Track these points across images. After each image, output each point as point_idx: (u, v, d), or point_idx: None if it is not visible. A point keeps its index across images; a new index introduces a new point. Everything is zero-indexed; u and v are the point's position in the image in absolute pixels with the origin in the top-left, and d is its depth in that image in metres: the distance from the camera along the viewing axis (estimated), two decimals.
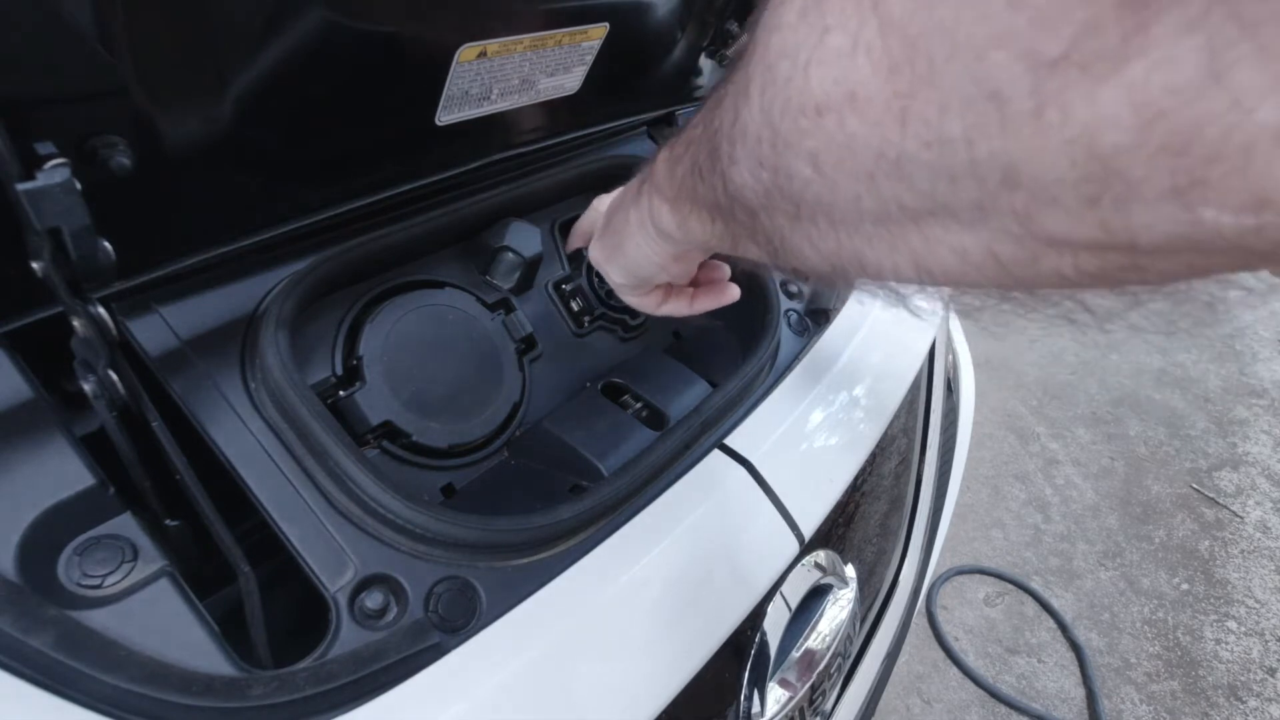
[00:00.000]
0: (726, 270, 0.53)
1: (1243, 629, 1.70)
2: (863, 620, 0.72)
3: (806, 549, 0.56)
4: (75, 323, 0.36)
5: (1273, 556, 1.87)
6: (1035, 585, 1.75)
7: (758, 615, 0.53)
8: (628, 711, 0.42)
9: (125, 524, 0.38)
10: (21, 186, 0.31)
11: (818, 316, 0.69)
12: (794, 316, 0.68)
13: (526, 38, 0.53)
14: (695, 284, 0.52)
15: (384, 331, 0.52)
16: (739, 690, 0.53)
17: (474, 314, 0.58)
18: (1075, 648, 1.61)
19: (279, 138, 0.46)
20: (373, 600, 0.39)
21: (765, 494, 0.54)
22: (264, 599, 0.40)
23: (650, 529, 0.49)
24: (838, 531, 0.63)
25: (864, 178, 0.22)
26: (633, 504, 0.49)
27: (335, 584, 0.39)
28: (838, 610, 0.61)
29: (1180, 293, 0.21)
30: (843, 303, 0.72)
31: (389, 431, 0.50)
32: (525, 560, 0.44)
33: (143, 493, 0.41)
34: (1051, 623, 1.68)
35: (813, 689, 0.58)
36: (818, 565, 0.59)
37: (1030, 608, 1.71)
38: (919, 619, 1.64)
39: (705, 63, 0.76)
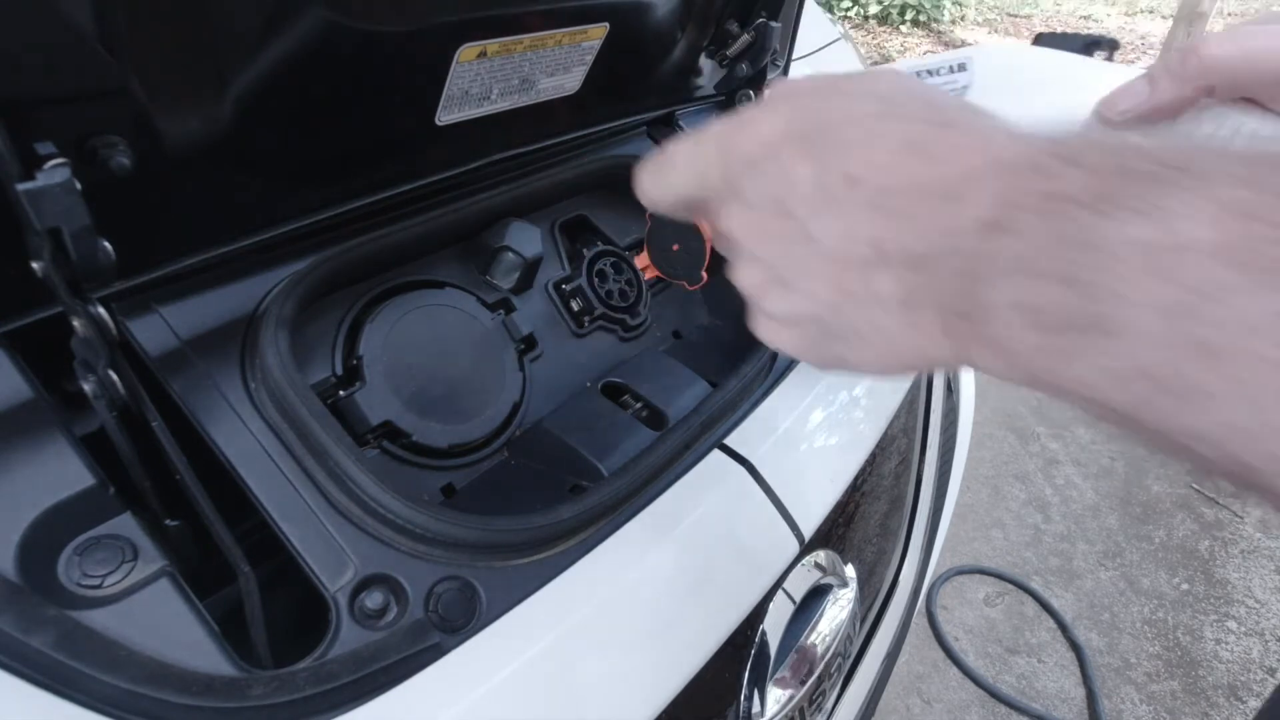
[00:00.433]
0: None
1: (1243, 629, 1.70)
2: (863, 620, 0.72)
3: (806, 549, 0.56)
4: (75, 323, 0.36)
5: (1273, 556, 1.87)
6: (1035, 585, 1.75)
7: (758, 615, 0.53)
8: (628, 711, 0.42)
9: (125, 524, 0.38)
10: (21, 186, 0.31)
11: None
12: None
13: (526, 38, 0.53)
14: None
15: (384, 331, 0.52)
16: (739, 690, 0.53)
17: (474, 314, 0.58)
18: (1075, 648, 1.61)
19: (279, 138, 0.46)
20: (373, 600, 0.39)
21: (765, 494, 0.54)
22: (264, 599, 0.40)
23: (650, 529, 0.49)
24: (838, 531, 0.63)
25: None
26: (633, 504, 0.49)
27: (335, 584, 0.39)
28: (838, 610, 0.61)
29: None
30: None
31: (389, 431, 0.50)
32: (525, 560, 0.44)
33: (143, 493, 0.41)
34: (1051, 623, 1.68)
35: (813, 689, 0.58)
36: (818, 565, 0.59)
37: (1030, 608, 1.71)
38: (919, 619, 1.64)
39: (705, 63, 0.76)
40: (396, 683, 0.37)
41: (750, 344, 0.61)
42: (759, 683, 0.54)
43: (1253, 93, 0.35)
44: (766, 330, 0.31)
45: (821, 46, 1.06)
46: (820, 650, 0.58)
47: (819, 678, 0.59)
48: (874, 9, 6.05)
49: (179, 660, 0.34)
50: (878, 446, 0.66)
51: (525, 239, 0.60)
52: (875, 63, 5.40)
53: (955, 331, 0.24)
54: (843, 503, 0.61)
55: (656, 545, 0.48)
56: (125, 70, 0.35)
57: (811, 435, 0.60)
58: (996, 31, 6.42)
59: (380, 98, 0.49)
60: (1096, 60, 0.42)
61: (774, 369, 0.63)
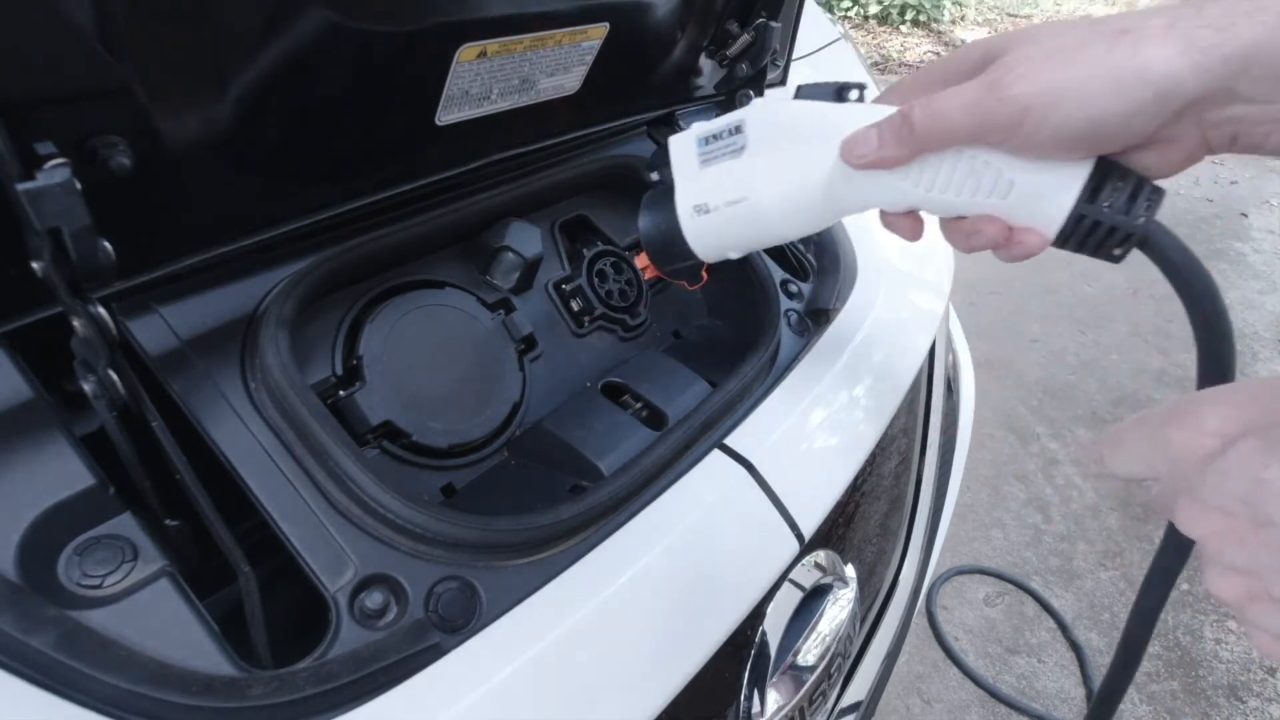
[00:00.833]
0: None
1: (1243, 629, 1.69)
2: (863, 620, 0.72)
3: (806, 549, 0.56)
4: (75, 323, 0.36)
5: None
6: (1035, 585, 1.75)
7: (758, 615, 0.53)
8: (628, 711, 0.42)
9: (125, 524, 0.38)
10: (21, 186, 0.31)
11: (818, 316, 0.69)
12: (794, 316, 0.68)
13: (526, 38, 0.53)
14: None
15: (384, 331, 0.52)
16: (739, 690, 0.53)
17: (474, 314, 0.58)
18: (1075, 648, 1.61)
19: (279, 138, 0.46)
20: (373, 600, 0.39)
21: (765, 494, 0.54)
22: (264, 599, 0.40)
23: (650, 529, 0.49)
24: (838, 531, 0.63)
25: None
26: (633, 504, 0.49)
27: (335, 584, 0.39)
28: (838, 610, 0.61)
29: None
30: (843, 303, 0.72)
31: (389, 431, 0.50)
32: (525, 560, 0.44)
33: (143, 493, 0.41)
34: (1051, 623, 1.68)
35: (813, 689, 0.58)
36: (818, 565, 0.59)
37: (1030, 608, 1.71)
38: (919, 619, 1.64)
39: (705, 63, 0.76)
40: (396, 683, 0.37)
41: (750, 344, 0.61)
42: (759, 683, 0.54)
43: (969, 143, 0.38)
44: (1264, 644, 0.28)
45: (821, 46, 1.06)
46: (820, 650, 0.58)
47: (819, 678, 0.59)
48: (874, 9, 6.05)
49: (179, 660, 0.34)
50: (878, 446, 0.66)
51: (525, 239, 0.60)
52: (875, 63, 5.40)
53: None
54: (843, 503, 0.61)
55: (656, 545, 0.48)
56: (125, 70, 0.35)
57: (811, 435, 0.60)
58: (996, 31, 6.42)
59: (380, 98, 0.49)
60: (851, 104, 0.45)
61: (774, 369, 0.63)
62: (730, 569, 0.51)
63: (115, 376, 0.38)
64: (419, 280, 0.57)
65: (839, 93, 0.55)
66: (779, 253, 0.75)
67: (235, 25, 0.38)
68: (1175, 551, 0.47)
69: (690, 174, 0.48)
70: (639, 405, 0.59)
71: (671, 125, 0.80)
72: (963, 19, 6.52)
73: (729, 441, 0.56)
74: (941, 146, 0.39)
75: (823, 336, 0.68)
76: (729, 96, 0.79)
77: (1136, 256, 0.38)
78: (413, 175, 0.57)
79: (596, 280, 0.66)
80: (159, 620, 0.35)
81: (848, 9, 6.14)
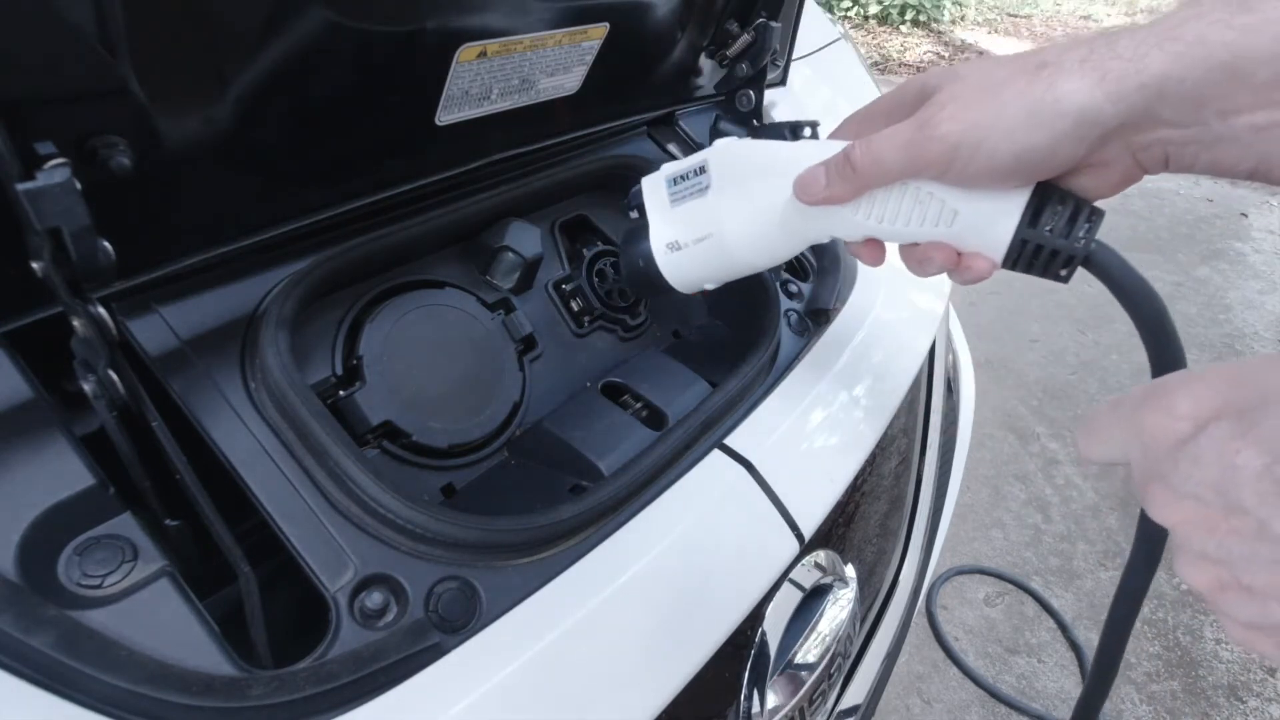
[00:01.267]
0: None
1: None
2: (863, 620, 0.72)
3: (806, 549, 0.56)
4: (75, 323, 0.36)
5: None
6: (1035, 585, 1.75)
7: (758, 615, 0.53)
8: (628, 711, 0.42)
9: (125, 524, 0.38)
10: (21, 186, 0.31)
11: (818, 316, 0.69)
12: (794, 316, 0.68)
13: (526, 38, 0.53)
14: None
15: (384, 331, 0.52)
16: (739, 690, 0.53)
17: (474, 314, 0.58)
18: (1075, 648, 1.61)
19: (279, 137, 0.46)
20: (373, 600, 0.39)
21: (765, 494, 0.54)
22: (264, 599, 0.40)
23: (650, 529, 0.49)
24: (838, 531, 0.63)
25: None
26: (633, 504, 0.49)
27: (335, 584, 0.39)
28: (838, 610, 0.61)
29: None
30: (843, 303, 0.72)
31: (389, 431, 0.50)
32: (525, 560, 0.44)
33: (143, 493, 0.41)
34: (1051, 623, 1.68)
35: (812, 689, 0.59)
36: (818, 565, 0.59)
37: (1030, 608, 1.71)
38: (919, 619, 1.64)
39: (705, 63, 0.76)
40: (396, 683, 0.37)
41: (750, 344, 0.61)
42: (759, 683, 0.54)
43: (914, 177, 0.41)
44: (1236, 634, 0.27)
45: (821, 46, 1.06)
46: (820, 650, 0.58)
47: (819, 678, 0.59)
48: (874, 9, 6.05)
49: (179, 660, 0.34)
50: (878, 446, 0.66)
51: (525, 239, 0.60)
52: (875, 63, 5.40)
53: None
54: (843, 503, 0.61)
55: (656, 545, 0.48)
56: (125, 70, 0.35)
57: (811, 435, 0.60)
58: (996, 31, 6.42)
59: (380, 98, 0.49)
60: (804, 141, 0.47)
61: (774, 369, 0.63)
62: (730, 569, 0.51)
63: (115, 376, 0.38)
64: (419, 280, 0.57)
65: (794, 130, 0.61)
66: None
67: (235, 25, 0.38)
68: (1149, 544, 0.48)
69: (662, 213, 0.51)
70: (639, 405, 0.59)
71: (671, 125, 0.80)
72: (963, 19, 6.52)
73: (729, 441, 0.56)
74: (883, 183, 0.41)
75: (823, 336, 0.68)
76: (729, 96, 0.79)
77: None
78: (413, 175, 0.57)
79: (596, 280, 0.65)
80: (159, 620, 0.35)
81: (848, 9, 6.14)
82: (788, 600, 0.56)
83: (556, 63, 0.58)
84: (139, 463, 0.40)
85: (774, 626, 0.55)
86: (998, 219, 0.40)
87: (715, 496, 0.52)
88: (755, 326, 0.64)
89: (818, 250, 0.77)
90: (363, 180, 0.54)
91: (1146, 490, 0.28)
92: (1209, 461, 0.24)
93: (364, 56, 0.45)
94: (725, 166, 0.48)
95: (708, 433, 0.56)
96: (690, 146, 0.78)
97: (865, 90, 1.05)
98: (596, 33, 0.58)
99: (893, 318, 0.74)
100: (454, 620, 0.40)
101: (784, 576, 0.55)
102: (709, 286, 0.54)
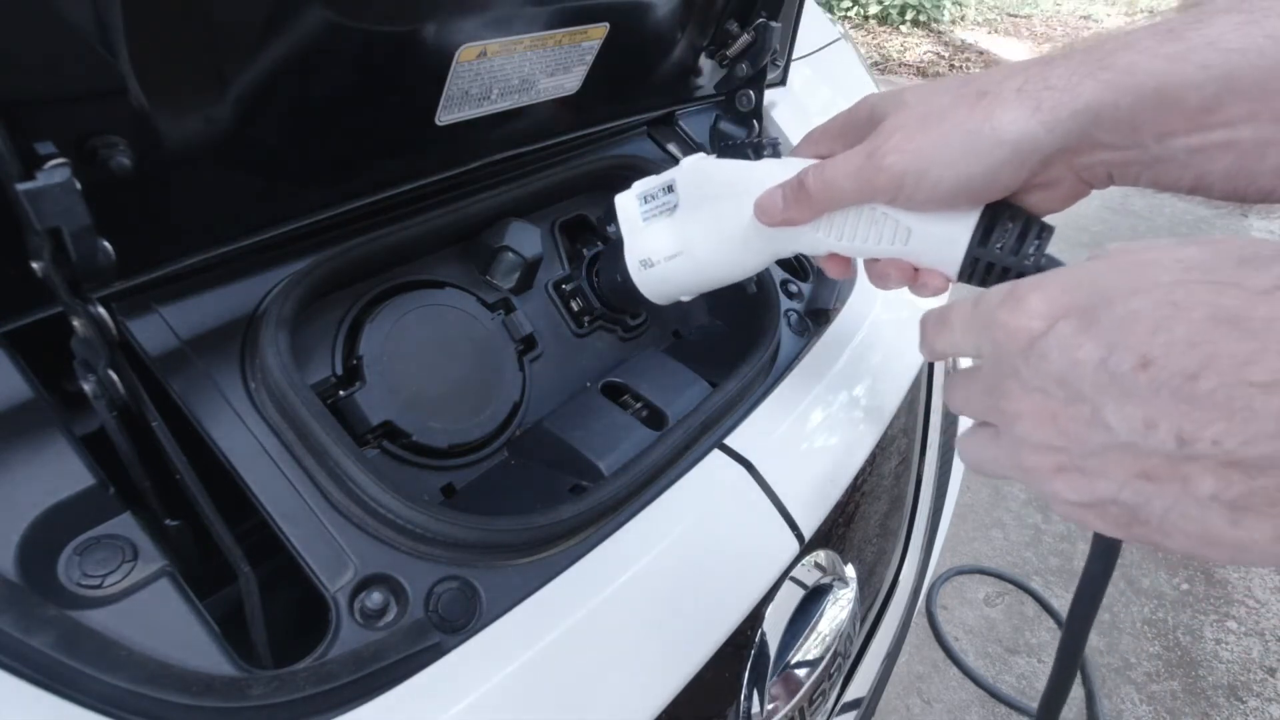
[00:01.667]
0: None
1: (1243, 629, 1.70)
2: (863, 620, 0.72)
3: (806, 549, 0.56)
4: (75, 323, 0.36)
5: None
6: (1035, 585, 1.75)
7: (758, 615, 0.53)
8: (628, 711, 0.42)
9: (125, 524, 0.38)
10: (21, 186, 0.31)
11: (818, 316, 0.69)
12: (794, 316, 0.68)
13: (526, 38, 0.53)
14: None
15: (384, 331, 0.52)
16: (739, 690, 0.53)
17: (474, 314, 0.58)
18: None
19: (279, 137, 0.46)
20: (373, 600, 0.39)
21: (765, 494, 0.54)
22: (264, 599, 0.40)
23: (650, 529, 0.49)
24: (838, 531, 0.63)
25: None
26: (633, 504, 0.49)
27: (335, 584, 0.39)
28: (838, 610, 0.61)
29: None
30: (843, 303, 0.72)
31: (389, 431, 0.50)
32: (525, 560, 0.44)
33: (143, 493, 0.41)
34: (1051, 623, 1.68)
35: (813, 689, 0.59)
36: (818, 565, 0.59)
37: (1030, 608, 1.71)
38: (919, 619, 1.64)
39: (705, 63, 0.76)
40: (396, 683, 0.37)
41: (750, 344, 0.61)
42: (759, 683, 0.54)
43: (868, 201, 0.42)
44: (1065, 512, 0.29)
45: (821, 46, 1.06)
46: (820, 650, 0.58)
47: (819, 677, 0.59)
48: (874, 9, 6.05)
49: (179, 660, 0.34)
50: (878, 446, 0.66)
51: (525, 239, 0.60)
52: (875, 63, 5.40)
53: None
54: (843, 503, 0.61)
55: (656, 545, 0.48)
56: (125, 70, 0.35)
57: (811, 435, 0.60)
58: (996, 31, 6.42)
59: (380, 98, 0.49)
60: (766, 160, 0.49)
61: (774, 369, 0.63)
62: (730, 569, 0.51)
63: (115, 376, 0.38)
64: (419, 280, 0.57)
65: (756, 149, 0.64)
66: None
67: (235, 25, 0.38)
68: (1104, 553, 0.52)
69: (635, 231, 0.53)
70: (639, 405, 0.59)
71: (671, 125, 0.80)
72: (963, 19, 6.52)
73: (729, 441, 0.56)
74: (836, 208, 0.43)
75: (823, 337, 0.68)
76: (729, 96, 0.79)
77: None
78: (413, 175, 0.57)
79: (596, 280, 0.65)
80: (159, 620, 0.35)
81: (848, 9, 6.14)
82: (788, 600, 0.56)
83: (556, 63, 0.58)
84: (139, 463, 0.40)
85: (774, 626, 0.55)
86: (949, 238, 0.41)
87: (715, 497, 0.52)
88: (755, 327, 0.64)
89: None
90: (363, 180, 0.54)
91: (1000, 385, 0.29)
92: (1055, 357, 0.26)
93: (364, 56, 0.45)
94: (692, 186, 0.50)
95: (708, 433, 0.56)
96: (690, 147, 0.78)
97: (865, 90, 1.05)
98: (596, 33, 0.58)
99: (893, 318, 0.74)
100: (454, 620, 0.40)
101: (784, 576, 0.55)
102: (684, 299, 0.57)
